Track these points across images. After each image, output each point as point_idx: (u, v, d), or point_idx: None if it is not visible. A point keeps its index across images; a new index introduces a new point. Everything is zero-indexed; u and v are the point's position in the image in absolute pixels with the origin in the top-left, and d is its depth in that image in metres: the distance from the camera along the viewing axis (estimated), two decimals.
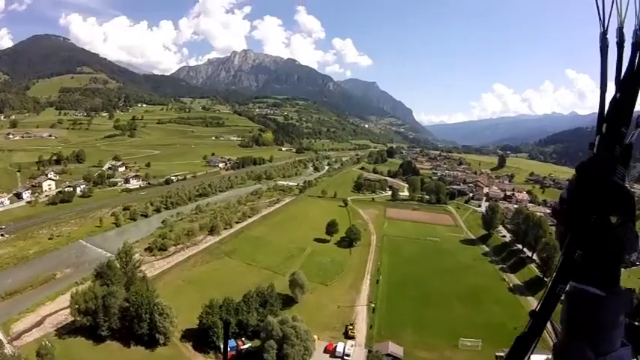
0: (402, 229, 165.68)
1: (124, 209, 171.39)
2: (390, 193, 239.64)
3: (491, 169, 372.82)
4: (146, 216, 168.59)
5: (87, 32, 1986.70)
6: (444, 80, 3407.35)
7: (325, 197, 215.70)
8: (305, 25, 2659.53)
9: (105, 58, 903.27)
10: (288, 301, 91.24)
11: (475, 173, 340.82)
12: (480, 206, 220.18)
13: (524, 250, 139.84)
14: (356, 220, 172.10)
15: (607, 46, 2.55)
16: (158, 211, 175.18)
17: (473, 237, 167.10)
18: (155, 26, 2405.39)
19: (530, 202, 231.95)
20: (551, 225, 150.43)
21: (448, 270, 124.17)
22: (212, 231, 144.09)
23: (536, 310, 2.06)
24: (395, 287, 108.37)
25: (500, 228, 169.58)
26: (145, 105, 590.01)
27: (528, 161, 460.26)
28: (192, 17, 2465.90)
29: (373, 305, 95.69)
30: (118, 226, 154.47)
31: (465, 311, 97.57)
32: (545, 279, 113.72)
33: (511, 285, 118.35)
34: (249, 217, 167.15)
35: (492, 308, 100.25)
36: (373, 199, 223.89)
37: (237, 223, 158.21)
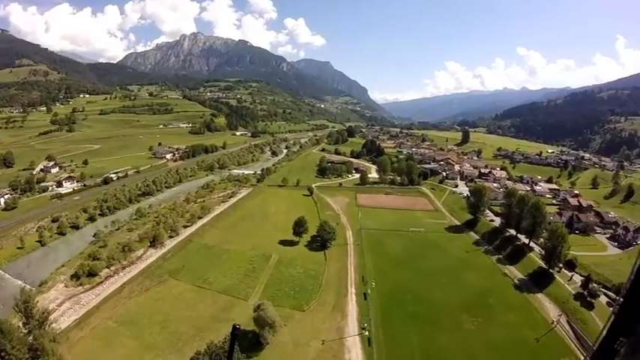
0: (379, 220, 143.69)
1: (53, 221, 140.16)
2: (357, 176, 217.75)
3: (456, 145, 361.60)
4: (77, 227, 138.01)
5: (28, 22, 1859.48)
6: (397, 58, 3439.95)
7: (287, 186, 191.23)
8: (256, 5, 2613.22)
9: (46, 49, 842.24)
10: (255, 344, 66.20)
11: (442, 150, 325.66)
12: (456, 186, 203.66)
13: (519, 236, 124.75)
14: (325, 212, 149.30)
15: None
16: (92, 219, 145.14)
17: (458, 222, 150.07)
18: (100, 12, 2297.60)
19: (508, 180, 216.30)
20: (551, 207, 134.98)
21: (443, 270, 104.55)
22: (154, 242, 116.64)
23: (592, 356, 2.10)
24: (388, 302, 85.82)
25: (486, 211, 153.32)
26: (87, 95, 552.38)
27: (489, 136, 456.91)
28: (138, 1, 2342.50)
29: (367, 334, 72.56)
30: (43, 245, 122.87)
31: (478, 327, 77.40)
32: (551, 270, 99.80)
33: (515, 281, 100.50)
34: (200, 218, 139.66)
35: (506, 317, 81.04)
36: (340, 184, 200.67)
37: (185, 227, 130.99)
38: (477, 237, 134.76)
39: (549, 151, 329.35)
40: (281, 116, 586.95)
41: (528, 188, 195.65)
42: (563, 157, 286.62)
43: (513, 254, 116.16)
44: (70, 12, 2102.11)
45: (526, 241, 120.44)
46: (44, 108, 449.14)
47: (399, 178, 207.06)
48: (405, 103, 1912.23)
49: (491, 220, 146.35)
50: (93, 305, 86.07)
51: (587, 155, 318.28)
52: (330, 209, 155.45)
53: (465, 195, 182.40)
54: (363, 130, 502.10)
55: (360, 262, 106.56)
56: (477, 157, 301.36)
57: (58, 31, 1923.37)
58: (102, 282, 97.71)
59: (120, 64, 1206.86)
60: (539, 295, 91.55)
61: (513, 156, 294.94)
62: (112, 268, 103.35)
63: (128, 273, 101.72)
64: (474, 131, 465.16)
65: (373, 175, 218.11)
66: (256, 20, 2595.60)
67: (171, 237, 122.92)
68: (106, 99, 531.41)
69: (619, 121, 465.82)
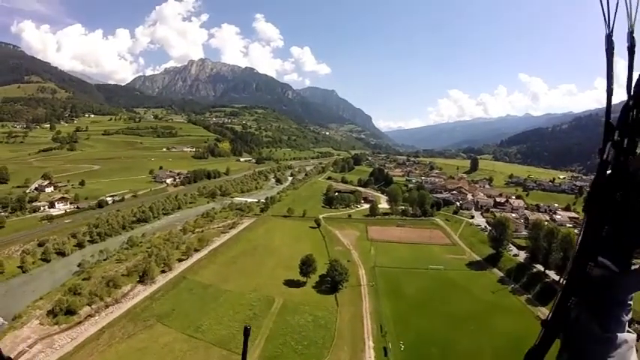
0: (393, 255, 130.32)
1: (39, 245, 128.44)
2: (366, 206, 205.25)
3: (465, 173, 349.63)
4: (63, 254, 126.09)
5: (40, 40, 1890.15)
6: (401, 87, 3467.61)
7: (293, 216, 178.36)
8: (264, 32, 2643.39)
9: (55, 67, 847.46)
10: None
11: (452, 178, 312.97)
12: (472, 217, 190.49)
13: (547, 272, 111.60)
14: (334, 247, 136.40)
15: (613, 49, 2.55)
16: (80, 246, 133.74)
17: (478, 258, 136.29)
18: (111, 35, 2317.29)
19: (526, 209, 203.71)
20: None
21: (470, 314, 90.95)
22: (143, 277, 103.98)
23: (548, 319, 2.65)
24: (412, 358, 72.54)
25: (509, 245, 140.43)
26: (92, 115, 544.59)
27: (497, 163, 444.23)
28: (148, 25, 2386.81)
29: None
30: (24, 272, 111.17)
31: None
32: None
33: None
34: (197, 250, 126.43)
35: None
36: (350, 215, 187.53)
37: (179, 261, 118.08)
38: (501, 274, 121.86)
39: (561, 177, 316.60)
40: (286, 143, 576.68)
41: (547, 217, 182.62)
42: (577, 183, 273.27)
43: (543, 293, 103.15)
44: (81, 33, 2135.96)
45: (556, 277, 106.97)
46: (48, 125, 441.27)
47: (410, 208, 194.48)
48: (408, 131, 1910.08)
49: (515, 255, 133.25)
50: (67, 351, 73.79)
51: None
52: (340, 244, 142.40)
53: (483, 227, 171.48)
54: (369, 158, 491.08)
55: (376, 307, 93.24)
56: (489, 185, 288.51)
57: (70, 51, 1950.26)
58: (81, 322, 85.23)
59: (128, 87, 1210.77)
60: None
61: (526, 183, 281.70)
62: (94, 305, 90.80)
63: (111, 313, 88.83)
64: (481, 158, 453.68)
65: (383, 205, 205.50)
66: (263, 48, 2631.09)
67: (163, 272, 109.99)
68: (111, 119, 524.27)
69: None
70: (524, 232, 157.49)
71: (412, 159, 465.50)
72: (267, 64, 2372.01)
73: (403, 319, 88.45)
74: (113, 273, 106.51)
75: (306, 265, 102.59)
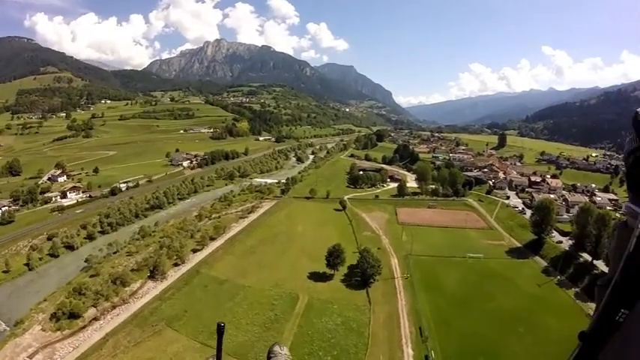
0: (427, 241, 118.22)
1: (48, 239, 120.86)
2: (393, 185, 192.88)
3: (493, 149, 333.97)
4: (72, 248, 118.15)
5: (54, 32, 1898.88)
6: (421, 61, 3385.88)
7: (315, 198, 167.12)
8: (279, 10, 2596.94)
9: (71, 57, 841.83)
10: None
11: (481, 155, 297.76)
12: (508, 198, 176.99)
13: (595, 262, 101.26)
14: (362, 233, 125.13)
15: None
16: (91, 238, 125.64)
17: (518, 244, 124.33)
18: (125, 21, 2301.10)
19: (566, 190, 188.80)
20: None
21: (516, 312, 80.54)
22: (154, 272, 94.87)
23: (588, 332, 2.34)
24: None
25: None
26: (109, 101, 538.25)
27: (525, 139, 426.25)
28: (161, 9, 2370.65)
29: None
30: (31, 269, 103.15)
31: None
32: None
33: None
34: (213, 239, 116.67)
35: None
36: (377, 196, 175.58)
37: (193, 252, 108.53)
38: (544, 263, 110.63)
39: (593, 154, 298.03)
40: (306, 120, 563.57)
41: (586, 199, 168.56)
42: (612, 162, 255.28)
43: (594, 287, 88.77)
44: (95, 21, 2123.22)
45: (606, 269, 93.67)
46: (64, 114, 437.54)
47: (441, 188, 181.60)
48: (429, 107, 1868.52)
49: (559, 242, 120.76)
50: None
51: None
52: (368, 228, 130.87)
53: (520, 208, 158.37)
54: (392, 134, 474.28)
55: (413, 305, 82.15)
56: (519, 162, 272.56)
57: (84, 40, 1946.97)
58: (85, 327, 77.34)
59: (144, 72, 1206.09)
60: None
61: (558, 161, 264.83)
62: (100, 307, 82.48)
63: (117, 316, 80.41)
64: (506, 134, 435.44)
65: (411, 184, 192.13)
66: (279, 26, 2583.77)
67: (176, 265, 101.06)
68: (127, 104, 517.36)
69: None
70: (566, 216, 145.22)
71: (436, 135, 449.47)
72: (283, 42, 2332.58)
73: (444, 319, 77.45)
74: (122, 269, 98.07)
75: (334, 257, 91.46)
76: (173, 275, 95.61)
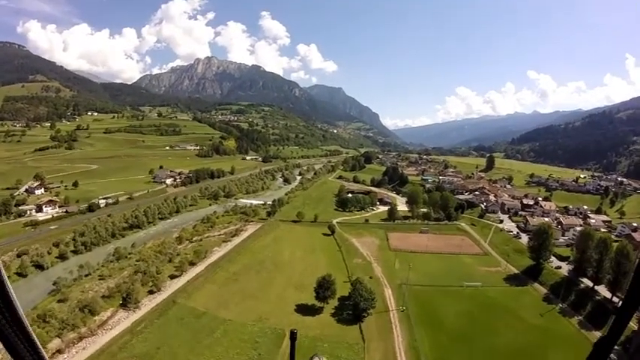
0: (421, 270, 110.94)
1: (18, 256, 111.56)
2: (383, 208, 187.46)
3: (481, 172, 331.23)
4: (42, 268, 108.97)
5: (46, 40, 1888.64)
6: (409, 84, 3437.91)
7: (303, 222, 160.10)
8: (270, 30, 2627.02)
9: (61, 67, 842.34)
10: None
11: (470, 177, 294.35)
12: (501, 221, 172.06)
13: (596, 288, 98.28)
14: (353, 260, 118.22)
15: None
16: (63, 257, 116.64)
17: (516, 270, 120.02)
18: (118, 34, 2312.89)
19: (559, 213, 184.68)
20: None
21: (522, 348, 74.65)
22: (126, 300, 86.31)
23: (619, 308, 2.62)
24: None
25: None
26: (95, 113, 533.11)
27: (513, 161, 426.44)
28: (154, 24, 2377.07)
29: None
30: None
31: None
32: None
33: (613, 355, 66.28)
34: (193, 264, 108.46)
35: None
36: (366, 220, 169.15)
37: (171, 278, 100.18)
38: (544, 290, 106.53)
39: (582, 176, 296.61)
40: (293, 141, 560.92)
41: (580, 221, 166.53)
42: (602, 183, 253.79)
43: (595, 314, 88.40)
44: (88, 32, 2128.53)
45: (608, 294, 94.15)
46: (48, 124, 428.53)
47: (433, 212, 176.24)
48: (416, 129, 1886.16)
49: (557, 267, 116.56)
50: None
51: (625, 180, 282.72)
52: (359, 255, 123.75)
53: (515, 233, 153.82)
54: (380, 156, 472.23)
55: (410, 342, 74.73)
56: (509, 185, 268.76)
57: (76, 51, 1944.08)
58: None
59: (134, 86, 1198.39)
60: None
61: (548, 183, 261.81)
62: (65, 338, 73.36)
63: (83, 350, 71.36)
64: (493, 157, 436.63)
65: (402, 207, 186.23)
66: (270, 46, 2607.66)
67: (151, 293, 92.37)
68: (113, 117, 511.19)
69: None
70: (562, 240, 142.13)
71: (424, 157, 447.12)
72: (273, 62, 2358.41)
73: (446, 358, 70.45)
74: (92, 294, 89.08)
75: (324, 289, 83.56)
76: (147, 304, 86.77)
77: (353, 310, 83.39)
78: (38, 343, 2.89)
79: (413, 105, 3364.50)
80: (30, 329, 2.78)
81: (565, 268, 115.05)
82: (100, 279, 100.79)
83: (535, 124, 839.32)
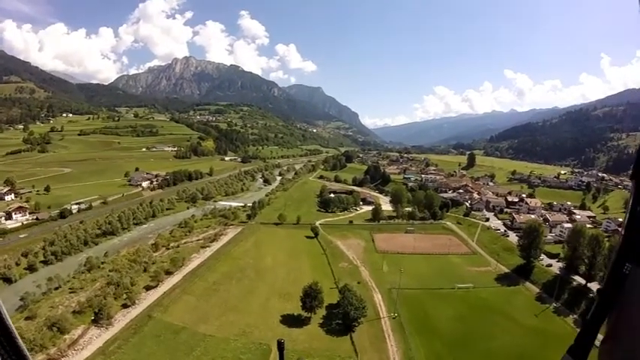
0: (410, 272, 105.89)
1: None
2: (366, 208, 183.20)
3: (462, 169, 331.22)
4: (10, 281, 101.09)
5: (21, 40, 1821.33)
6: (387, 83, 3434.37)
7: (285, 224, 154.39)
8: (249, 30, 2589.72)
9: (36, 67, 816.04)
10: None
11: (452, 175, 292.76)
12: (487, 220, 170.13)
13: (589, 285, 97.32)
14: (339, 264, 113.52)
15: None
16: (32, 269, 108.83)
17: (506, 269, 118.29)
18: (94, 34, 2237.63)
19: (544, 209, 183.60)
20: None
21: (520, 352, 71.40)
22: (99, 316, 79.43)
23: (603, 288, 2.80)
24: None
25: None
26: (70, 115, 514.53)
27: (493, 159, 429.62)
28: (132, 23, 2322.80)
29: None
30: None
31: None
32: None
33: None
34: (169, 273, 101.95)
35: None
36: (350, 221, 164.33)
37: (146, 290, 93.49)
38: (536, 289, 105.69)
39: (563, 172, 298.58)
40: (273, 141, 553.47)
41: (566, 217, 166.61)
42: (584, 179, 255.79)
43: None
44: (64, 32, 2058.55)
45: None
46: (22, 126, 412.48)
47: (417, 211, 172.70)
48: (395, 128, 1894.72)
49: (548, 265, 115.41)
50: None
51: (605, 176, 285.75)
52: (345, 258, 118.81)
53: (502, 231, 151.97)
54: (361, 155, 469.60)
55: (406, 352, 70.57)
56: (491, 182, 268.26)
57: (52, 51, 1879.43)
58: None
59: (110, 86, 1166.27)
60: None
61: (530, 180, 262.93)
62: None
63: None
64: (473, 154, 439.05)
65: (386, 207, 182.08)
66: (248, 45, 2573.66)
67: (125, 307, 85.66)
68: (89, 119, 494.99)
69: (620, 137, 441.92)
70: (549, 237, 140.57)
71: (405, 155, 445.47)
72: (252, 62, 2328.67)
73: None
74: (62, 309, 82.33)
75: (311, 298, 78.09)
76: (121, 320, 79.97)
77: (343, 319, 78.21)
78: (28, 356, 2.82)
79: (392, 104, 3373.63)
80: (20, 342, 2.72)
81: (556, 266, 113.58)
82: (70, 292, 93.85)
83: (513, 122, 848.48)
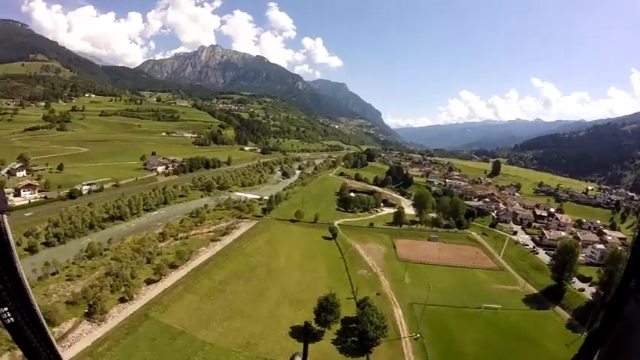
0: (434, 285, 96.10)
1: None
2: (387, 210, 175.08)
3: (487, 177, 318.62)
4: None
5: (50, 20, 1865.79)
6: (412, 84, 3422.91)
7: (302, 222, 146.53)
8: (277, 22, 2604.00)
9: (63, 47, 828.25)
10: None
11: (477, 183, 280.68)
12: (515, 233, 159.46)
13: None
14: (357, 271, 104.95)
15: None
16: (32, 250, 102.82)
17: (535, 291, 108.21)
18: (123, 18, 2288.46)
19: (574, 227, 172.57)
20: None
21: None
22: (92, 309, 72.78)
23: (608, 302, 2.84)
24: None
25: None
26: (93, 95, 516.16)
27: (519, 168, 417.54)
28: (160, 9, 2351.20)
29: None
30: None
31: None
32: None
33: None
34: (174, 267, 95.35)
35: None
36: (371, 223, 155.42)
37: (147, 284, 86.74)
38: (567, 315, 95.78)
39: (590, 187, 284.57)
40: (294, 134, 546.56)
41: (596, 237, 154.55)
42: (612, 197, 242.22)
43: None
44: (93, 14, 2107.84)
45: None
46: (43, 103, 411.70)
47: (442, 218, 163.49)
48: (418, 129, 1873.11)
49: (581, 290, 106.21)
50: None
51: (634, 195, 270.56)
52: (363, 265, 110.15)
53: (531, 247, 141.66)
54: (383, 154, 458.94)
55: None
56: (517, 192, 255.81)
57: (80, 32, 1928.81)
58: None
59: (136, 70, 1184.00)
60: None
61: (557, 193, 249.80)
62: (18, 352, 60.09)
63: None
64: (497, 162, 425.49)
65: (408, 211, 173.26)
66: (275, 38, 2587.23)
67: (122, 301, 78.88)
68: (111, 100, 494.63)
69: None
70: (581, 257, 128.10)
71: (428, 158, 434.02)
72: (278, 54, 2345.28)
73: None
74: (56, 298, 76.29)
75: (326, 311, 69.61)
76: (115, 316, 73.12)
77: (359, 337, 69.90)
78: (55, 343, 2.85)
79: (415, 105, 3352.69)
80: (46, 327, 2.76)
81: (588, 290, 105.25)
82: (67, 279, 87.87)
83: (537, 131, 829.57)
